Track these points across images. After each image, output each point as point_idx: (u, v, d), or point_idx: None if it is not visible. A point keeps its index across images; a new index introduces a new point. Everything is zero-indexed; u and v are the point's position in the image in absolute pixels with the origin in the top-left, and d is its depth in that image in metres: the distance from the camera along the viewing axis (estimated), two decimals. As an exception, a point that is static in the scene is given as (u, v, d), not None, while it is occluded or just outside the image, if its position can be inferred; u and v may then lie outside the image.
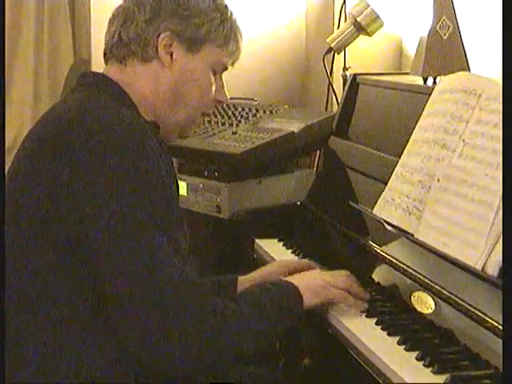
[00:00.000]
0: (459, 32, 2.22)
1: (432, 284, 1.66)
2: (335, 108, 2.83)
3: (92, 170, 1.42)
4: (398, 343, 1.57)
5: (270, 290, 1.63)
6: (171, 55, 1.64)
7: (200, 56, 1.66)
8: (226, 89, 1.75)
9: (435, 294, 1.65)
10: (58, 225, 1.44)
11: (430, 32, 2.22)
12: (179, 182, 2.50)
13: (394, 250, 1.85)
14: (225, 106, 2.82)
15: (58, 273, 1.45)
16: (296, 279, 1.71)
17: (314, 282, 1.71)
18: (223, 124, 2.71)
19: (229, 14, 1.71)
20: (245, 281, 1.89)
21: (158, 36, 1.63)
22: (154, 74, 1.64)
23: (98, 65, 3.12)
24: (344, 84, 2.74)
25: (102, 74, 1.66)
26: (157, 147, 1.49)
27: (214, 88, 1.71)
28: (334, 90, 2.88)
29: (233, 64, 1.74)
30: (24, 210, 1.47)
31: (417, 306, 1.69)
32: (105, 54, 1.69)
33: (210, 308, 1.47)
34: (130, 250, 1.41)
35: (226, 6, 1.71)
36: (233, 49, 1.71)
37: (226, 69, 1.74)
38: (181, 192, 2.47)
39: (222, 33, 1.67)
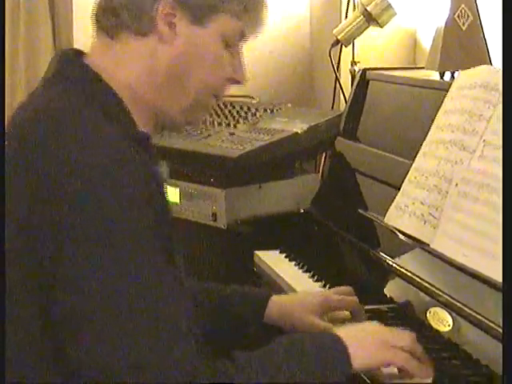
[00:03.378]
0: (480, 22, 2.23)
1: (450, 299, 1.66)
2: (342, 106, 2.85)
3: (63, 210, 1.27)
4: (413, 364, 1.57)
5: (305, 351, 1.41)
6: (173, 28, 1.44)
7: (209, 29, 1.46)
8: (244, 67, 1.55)
9: (453, 310, 1.65)
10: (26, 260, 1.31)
11: (447, 22, 2.23)
12: (171, 188, 2.52)
13: (407, 262, 1.85)
14: (221, 104, 2.83)
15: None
16: (345, 332, 1.48)
17: (369, 339, 1.48)
18: (220, 124, 2.72)
19: None
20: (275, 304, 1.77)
21: (157, 3, 1.43)
22: (150, 52, 1.45)
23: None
24: (352, 80, 2.75)
25: (84, 64, 1.46)
26: (142, 177, 1.33)
27: (226, 65, 1.51)
28: (341, 87, 2.90)
29: (253, 36, 1.54)
30: None
31: (433, 323, 1.69)
32: (93, 23, 1.49)
33: None
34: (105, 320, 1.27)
35: None
36: (253, 19, 1.51)
37: (243, 40, 1.53)
38: (173, 199, 2.48)
39: (239, 1, 1.47)
